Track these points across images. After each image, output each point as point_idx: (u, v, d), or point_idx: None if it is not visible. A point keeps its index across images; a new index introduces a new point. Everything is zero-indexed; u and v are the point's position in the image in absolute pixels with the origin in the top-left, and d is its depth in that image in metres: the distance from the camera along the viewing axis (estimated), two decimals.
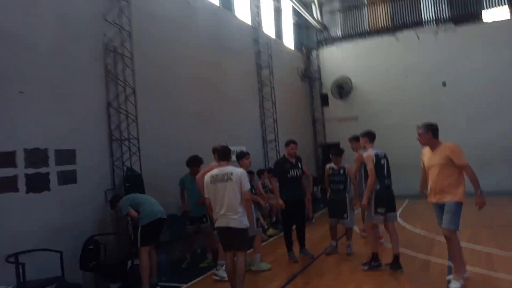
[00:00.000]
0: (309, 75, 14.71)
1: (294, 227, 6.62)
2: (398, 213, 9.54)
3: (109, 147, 6.30)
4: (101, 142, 6.19)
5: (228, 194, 4.65)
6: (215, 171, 4.86)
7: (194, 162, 6.52)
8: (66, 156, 5.64)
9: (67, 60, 5.75)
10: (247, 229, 4.78)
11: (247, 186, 4.68)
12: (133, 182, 6.23)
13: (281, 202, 6.30)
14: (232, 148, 9.81)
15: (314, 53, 14.95)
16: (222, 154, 4.88)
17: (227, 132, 9.36)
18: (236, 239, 4.68)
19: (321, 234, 8.06)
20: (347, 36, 14.62)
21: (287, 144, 6.73)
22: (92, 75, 6.16)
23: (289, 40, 14.19)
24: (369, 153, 5.52)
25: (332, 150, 6.93)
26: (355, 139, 7.14)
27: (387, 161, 5.72)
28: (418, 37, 13.42)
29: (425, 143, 4.88)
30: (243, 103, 10.36)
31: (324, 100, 14.95)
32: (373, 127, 13.73)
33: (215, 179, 4.78)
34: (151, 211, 5.41)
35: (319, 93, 14.98)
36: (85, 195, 5.79)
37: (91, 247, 5.29)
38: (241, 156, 6.00)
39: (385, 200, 5.52)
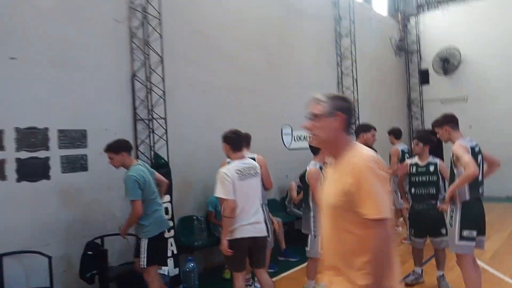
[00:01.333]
0: (405, 47, 12.24)
1: None
2: None
3: (133, 128, 5.20)
4: (122, 122, 5.10)
5: (257, 194, 3.80)
6: (237, 164, 3.69)
7: None
8: (74, 137, 4.64)
9: (79, 18, 4.71)
10: None
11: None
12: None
13: None
14: (300, 133, 8.43)
15: (412, 20, 12.38)
16: (237, 142, 3.76)
17: (291, 117, 7.79)
18: (262, 251, 3.84)
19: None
20: None
21: (365, 129, 5.09)
22: (112, 39, 5.05)
23: (380, 4, 11.88)
24: (460, 143, 3.74)
25: (417, 135, 5.00)
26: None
27: (483, 159, 3.92)
28: None
29: None
30: (315, 80, 8.60)
31: (424, 77, 12.38)
32: (487, 111, 11.17)
33: (242, 174, 3.66)
34: (161, 217, 4.15)
35: (418, 69, 12.43)
36: (97, 187, 4.75)
37: (90, 252, 4.22)
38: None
39: (477, 219, 3.81)
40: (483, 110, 11.21)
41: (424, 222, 4.59)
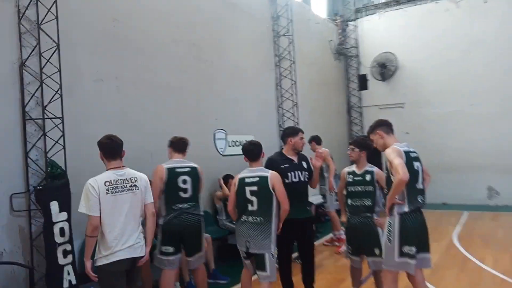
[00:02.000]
0: (344, 51, 12.05)
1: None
2: (454, 237, 7.32)
3: (22, 129, 4.19)
4: (5, 122, 4.08)
5: (134, 212, 3.32)
6: (108, 175, 3.25)
7: None
8: None
9: None
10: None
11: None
12: (51, 184, 4.10)
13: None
14: (236, 138, 7.75)
15: (351, 24, 12.24)
16: (112, 148, 3.33)
17: (224, 120, 7.11)
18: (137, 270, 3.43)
19: (334, 275, 5.61)
20: (393, 1, 11.78)
21: (291, 133, 4.39)
22: None
23: (319, 7, 11.61)
24: (393, 147, 3.43)
25: (352, 140, 4.54)
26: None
27: (421, 165, 3.59)
28: (484, 0, 10.43)
29: None
30: (252, 80, 8.00)
31: (363, 82, 12.24)
32: (424, 116, 11.08)
33: (113, 188, 3.21)
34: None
35: (357, 74, 12.29)
36: None
37: None
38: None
39: (417, 233, 3.43)
40: (419, 116, 11.24)
41: (359, 238, 4.08)
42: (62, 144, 4.22)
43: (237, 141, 7.35)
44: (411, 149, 3.51)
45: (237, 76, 7.57)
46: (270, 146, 7.40)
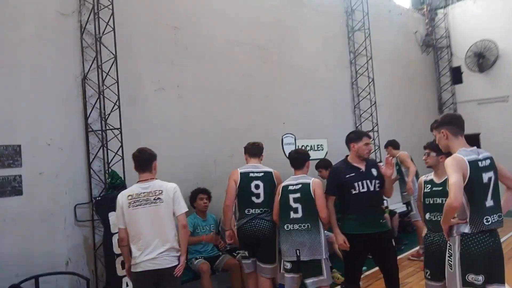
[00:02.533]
0: (433, 43, 10.87)
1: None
2: None
3: (85, 141, 4.31)
4: (69, 134, 4.22)
5: (159, 225, 3.35)
6: (133, 189, 3.35)
7: None
8: (4, 155, 3.81)
9: (12, 10, 3.92)
10: None
11: None
12: (109, 195, 4.13)
13: (341, 239, 3.73)
14: (307, 142, 7.33)
15: (440, 12, 11.01)
16: (140, 162, 3.39)
17: (293, 124, 6.74)
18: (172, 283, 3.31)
19: None
20: None
21: (354, 138, 3.91)
22: (58, 34, 4.22)
23: None
24: (455, 156, 2.77)
25: (428, 143, 3.85)
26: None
27: (496, 175, 2.82)
28: None
29: None
30: (324, 80, 7.50)
31: (456, 75, 10.93)
32: None
33: (135, 201, 3.30)
34: None
35: (449, 67, 11.01)
36: (34, 215, 3.89)
37: None
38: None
39: (485, 259, 2.71)
40: None
41: (439, 260, 3.37)
42: (121, 155, 4.24)
43: (307, 146, 6.93)
44: (481, 156, 2.77)
45: (308, 77, 7.15)
46: (346, 151, 6.88)
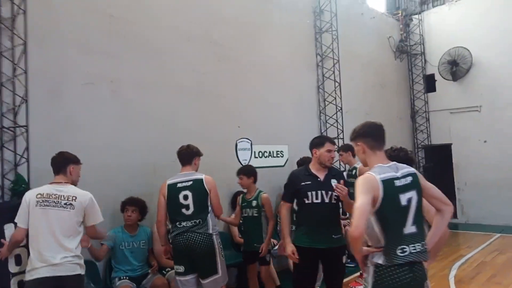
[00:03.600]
0: (407, 49, 10.55)
1: None
2: None
3: None
4: None
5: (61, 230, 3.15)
6: (45, 188, 3.16)
7: None
8: None
9: None
10: None
11: None
12: (6, 204, 3.53)
13: (289, 249, 3.50)
14: (266, 148, 6.82)
15: (415, 18, 10.71)
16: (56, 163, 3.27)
17: (253, 125, 6.28)
18: None
19: None
20: None
21: (316, 144, 3.64)
22: None
23: (375, 0, 10.28)
24: (367, 174, 2.35)
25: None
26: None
27: (419, 197, 2.34)
28: None
29: None
30: (288, 82, 7.03)
31: (430, 83, 10.64)
32: (505, 121, 9.22)
33: (44, 201, 3.11)
34: None
35: (423, 74, 10.70)
36: None
37: None
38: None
39: None
40: (500, 120, 9.40)
41: None
42: (26, 157, 3.64)
43: (265, 152, 6.43)
44: (400, 173, 2.32)
45: (271, 77, 6.66)
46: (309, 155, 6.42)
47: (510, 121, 9.27)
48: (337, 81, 7.59)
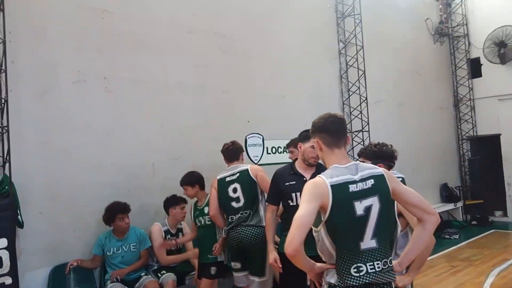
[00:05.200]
0: (449, 31, 9.63)
1: None
2: None
3: None
4: None
5: None
6: None
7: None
8: None
9: None
10: None
11: None
12: None
13: (272, 257, 3.19)
14: (280, 143, 6.44)
15: None
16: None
17: (264, 120, 5.97)
18: None
19: None
20: None
21: (302, 138, 3.30)
22: None
23: None
24: (316, 180, 1.96)
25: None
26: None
27: (382, 204, 1.93)
28: None
29: None
30: (306, 73, 6.60)
31: (475, 67, 9.67)
32: None
33: None
34: None
35: (466, 58, 9.74)
36: None
37: None
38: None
39: None
40: None
41: None
42: (7, 159, 3.57)
43: (279, 147, 6.07)
44: (359, 176, 1.91)
45: (284, 69, 6.27)
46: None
47: None
48: (361, 69, 7.02)
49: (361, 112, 6.96)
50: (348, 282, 1.82)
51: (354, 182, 1.88)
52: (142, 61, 4.78)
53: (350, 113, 7.11)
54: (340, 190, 1.85)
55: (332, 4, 7.19)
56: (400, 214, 2.46)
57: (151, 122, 4.79)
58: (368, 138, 6.85)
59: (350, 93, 7.10)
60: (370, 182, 1.89)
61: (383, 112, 7.62)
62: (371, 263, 1.83)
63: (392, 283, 1.91)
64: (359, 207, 1.85)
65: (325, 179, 1.88)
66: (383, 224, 1.88)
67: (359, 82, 7.00)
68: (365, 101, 7.00)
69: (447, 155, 9.48)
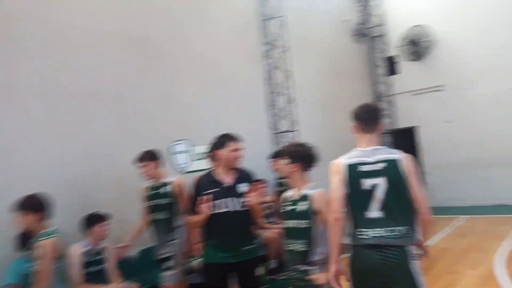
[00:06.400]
0: (367, 32, 10.09)
1: None
2: (500, 260, 5.08)
3: None
4: None
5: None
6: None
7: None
8: None
9: None
10: None
11: None
12: None
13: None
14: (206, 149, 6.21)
15: None
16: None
17: (189, 125, 5.75)
18: None
19: None
20: None
21: (218, 144, 3.20)
22: None
23: None
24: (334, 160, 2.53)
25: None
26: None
27: (393, 184, 2.35)
28: None
29: None
30: (231, 75, 6.50)
31: (391, 65, 10.24)
32: (470, 99, 8.66)
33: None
34: None
35: (383, 57, 10.27)
36: None
37: None
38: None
39: (362, 279, 2.35)
40: (464, 99, 9.10)
41: None
42: None
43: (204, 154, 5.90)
44: (373, 159, 2.39)
45: (209, 72, 6.12)
46: (259, 153, 5.92)
47: (475, 99, 8.96)
48: (288, 70, 7.08)
49: (290, 112, 7.01)
50: (356, 242, 2.34)
51: (365, 163, 2.38)
52: (48, 69, 4.35)
53: (276, 114, 7.11)
54: (352, 168, 2.40)
55: (254, 6, 7.16)
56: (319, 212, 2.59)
57: (59, 135, 4.34)
58: (299, 138, 6.91)
59: (276, 94, 7.12)
60: (382, 165, 2.35)
61: (309, 112, 7.75)
62: (374, 230, 2.30)
63: (404, 247, 2.26)
64: (366, 183, 2.34)
65: (341, 160, 2.46)
66: (392, 201, 2.30)
67: (287, 83, 7.04)
68: (294, 101, 7.07)
69: None
